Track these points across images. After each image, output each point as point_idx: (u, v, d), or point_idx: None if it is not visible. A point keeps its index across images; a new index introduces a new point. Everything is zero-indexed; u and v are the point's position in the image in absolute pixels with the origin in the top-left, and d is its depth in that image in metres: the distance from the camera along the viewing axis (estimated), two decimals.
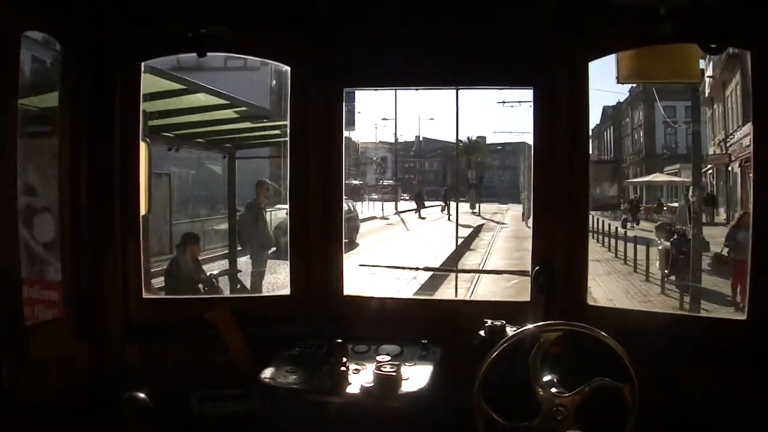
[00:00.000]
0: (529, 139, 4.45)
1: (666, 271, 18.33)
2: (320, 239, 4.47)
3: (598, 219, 28.32)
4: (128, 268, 4.31)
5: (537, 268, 4.24)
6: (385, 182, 55.14)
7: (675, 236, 18.36)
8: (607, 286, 18.64)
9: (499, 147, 72.29)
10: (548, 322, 3.71)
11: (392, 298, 4.78)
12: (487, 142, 68.99)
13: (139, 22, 4.20)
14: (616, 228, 25.48)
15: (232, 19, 4.20)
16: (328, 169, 4.48)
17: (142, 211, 4.33)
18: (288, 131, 4.50)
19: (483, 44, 4.30)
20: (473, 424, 3.59)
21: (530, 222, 4.44)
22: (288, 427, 3.73)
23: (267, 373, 3.83)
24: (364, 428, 3.59)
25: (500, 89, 4.85)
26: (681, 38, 4.05)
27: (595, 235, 27.32)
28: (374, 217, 39.22)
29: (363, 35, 4.42)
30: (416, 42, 4.37)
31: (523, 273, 4.57)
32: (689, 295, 16.03)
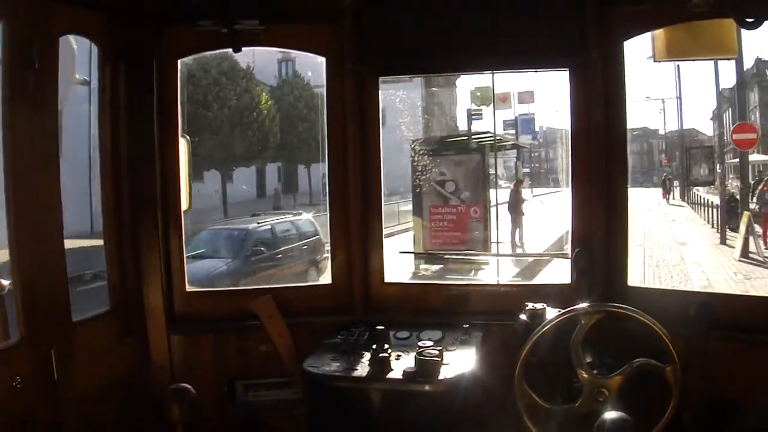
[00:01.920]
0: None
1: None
2: (360, 228, 4.49)
3: (696, 193, 34.22)
4: (171, 262, 4.37)
5: (577, 250, 4.23)
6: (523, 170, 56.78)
7: (726, 197, 24.46)
8: (685, 233, 25.39)
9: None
10: (589, 304, 3.71)
11: (433, 284, 4.81)
12: None
13: (173, 21, 4.25)
14: (711, 201, 28.67)
15: (264, 12, 4.23)
16: (366, 158, 4.50)
17: (184, 206, 4.38)
18: (325, 122, 4.52)
19: (517, 28, 4.27)
20: (515, 407, 3.61)
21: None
22: (332, 413, 3.77)
23: (310, 361, 3.87)
24: (406, 413, 3.61)
25: (536, 71, 4.75)
26: (716, 13, 3.98)
27: (693, 206, 33.84)
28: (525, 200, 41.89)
29: (396, 23, 4.42)
30: (450, 28, 4.34)
31: (563, 255, 4.55)
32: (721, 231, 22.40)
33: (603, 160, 4.15)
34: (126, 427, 4.04)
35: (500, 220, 20.13)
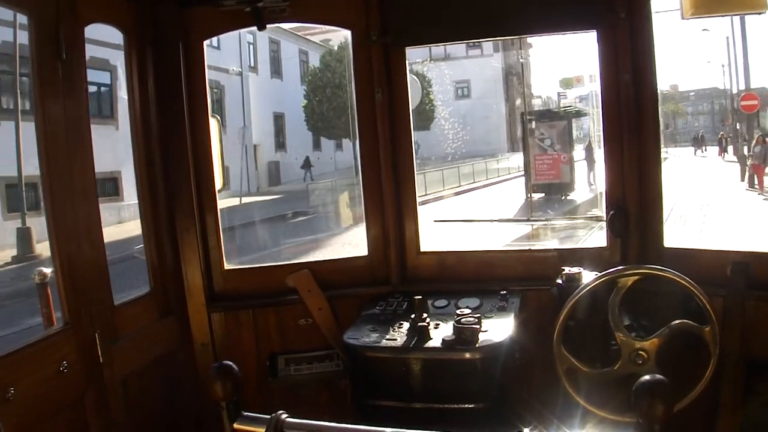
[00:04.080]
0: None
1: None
2: (393, 197, 4.50)
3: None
4: (209, 241, 4.41)
5: (611, 212, 4.20)
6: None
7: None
8: (721, 177, 30.85)
9: (692, 93, 72.36)
10: (625, 266, 3.70)
11: (469, 251, 4.78)
12: (680, 89, 70.79)
13: (197, 2, 4.24)
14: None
15: None
16: (396, 129, 4.49)
17: (218, 185, 4.41)
18: (354, 95, 4.52)
19: None
20: (554, 371, 3.62)
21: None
22: (373, 384, 3.80)
23: (350, 333, 3.92)
24: (446, 381, 3.63)
25: (563, 35, 4.68)
26: None
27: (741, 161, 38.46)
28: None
29: None
30: None
31: (597, 218, 4.53)
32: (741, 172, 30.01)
33: (634, 121, 4.11)
34: (171, 406, 4.11)
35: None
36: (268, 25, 4.29)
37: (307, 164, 42.48)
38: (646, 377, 2.06)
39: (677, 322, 3.49)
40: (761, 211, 22.73)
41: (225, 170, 4.51)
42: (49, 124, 3.29)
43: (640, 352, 3.51)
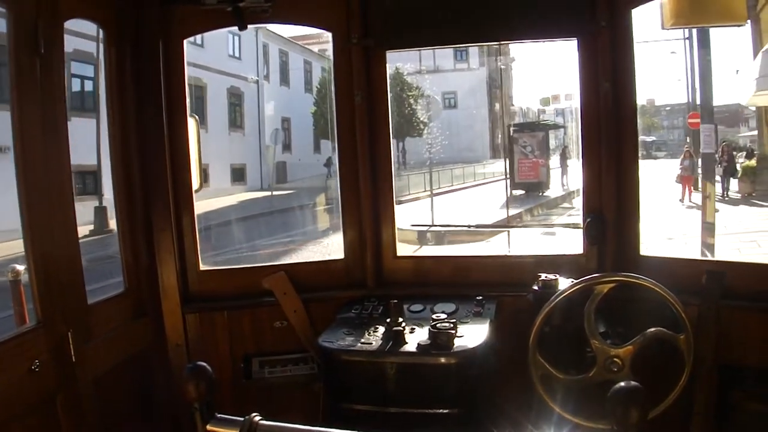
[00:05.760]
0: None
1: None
2: (371, 202, 4.50)
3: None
4: (184, 242, 4.38)
5: (588, 219, 4.22)
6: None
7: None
8: (674, 187, 30.95)
9: (668, 108, 73.13)
10: (602, 273, 3.72)
11: (446, 257, 4.79)
12: (656, 104, 72.72)
13: (178, 0, 4.21)
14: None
15: None
16: (375, 133, 4.49)
17: (195, 186, 4.38)
18: (334, 98, 4.51)
19: None
20: (529, 378, 3.63)
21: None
22: (347, 387, 3.79)
23: (325, 336, 3.90)
24: (421, 386, 3.62)
25: (544, 41, 4.68)
26: None
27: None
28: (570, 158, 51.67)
29: None
30: None
31: (575, 225, 4.55)
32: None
33: (613, 129, 4.13)
34: (144, 406, 4.08)
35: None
36: (253, 26, 4.29)
37: (328, 163, 46.62)
38: (621, 384, 2.07)
39: (652, 329, 3.51)
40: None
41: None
42: (26, 119, 3.25)
43: (615, 359, 3.52)
